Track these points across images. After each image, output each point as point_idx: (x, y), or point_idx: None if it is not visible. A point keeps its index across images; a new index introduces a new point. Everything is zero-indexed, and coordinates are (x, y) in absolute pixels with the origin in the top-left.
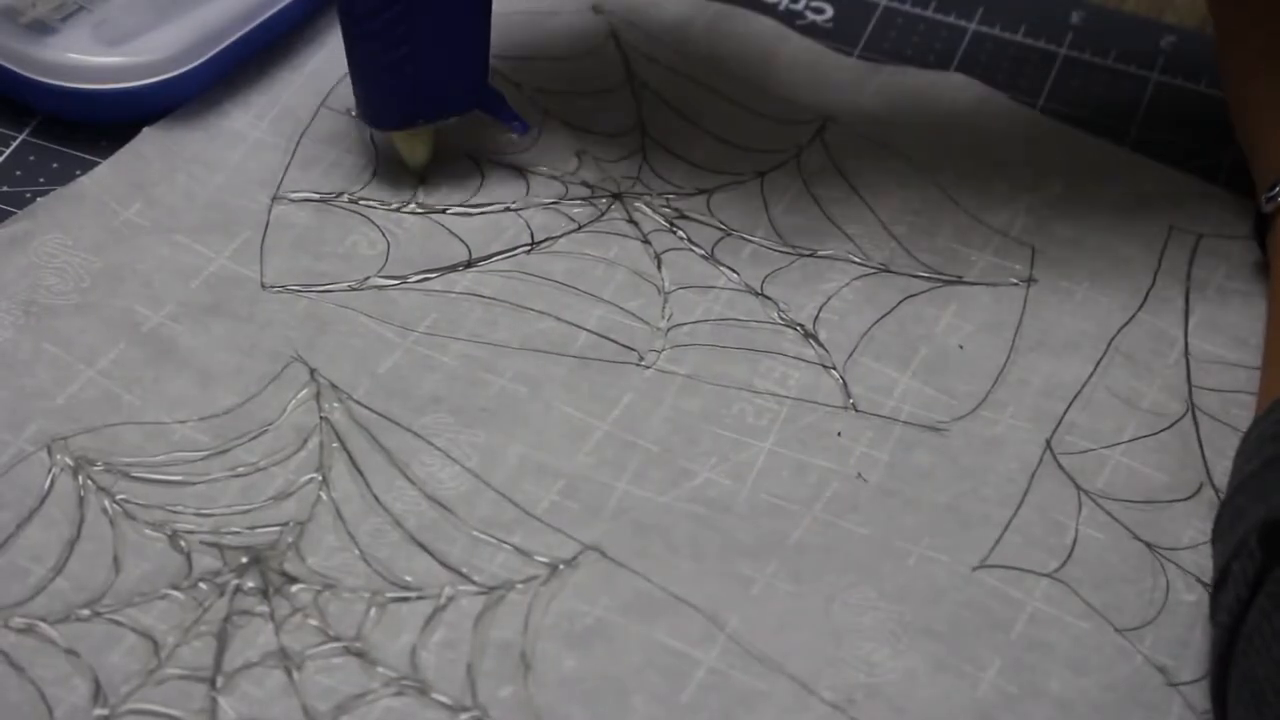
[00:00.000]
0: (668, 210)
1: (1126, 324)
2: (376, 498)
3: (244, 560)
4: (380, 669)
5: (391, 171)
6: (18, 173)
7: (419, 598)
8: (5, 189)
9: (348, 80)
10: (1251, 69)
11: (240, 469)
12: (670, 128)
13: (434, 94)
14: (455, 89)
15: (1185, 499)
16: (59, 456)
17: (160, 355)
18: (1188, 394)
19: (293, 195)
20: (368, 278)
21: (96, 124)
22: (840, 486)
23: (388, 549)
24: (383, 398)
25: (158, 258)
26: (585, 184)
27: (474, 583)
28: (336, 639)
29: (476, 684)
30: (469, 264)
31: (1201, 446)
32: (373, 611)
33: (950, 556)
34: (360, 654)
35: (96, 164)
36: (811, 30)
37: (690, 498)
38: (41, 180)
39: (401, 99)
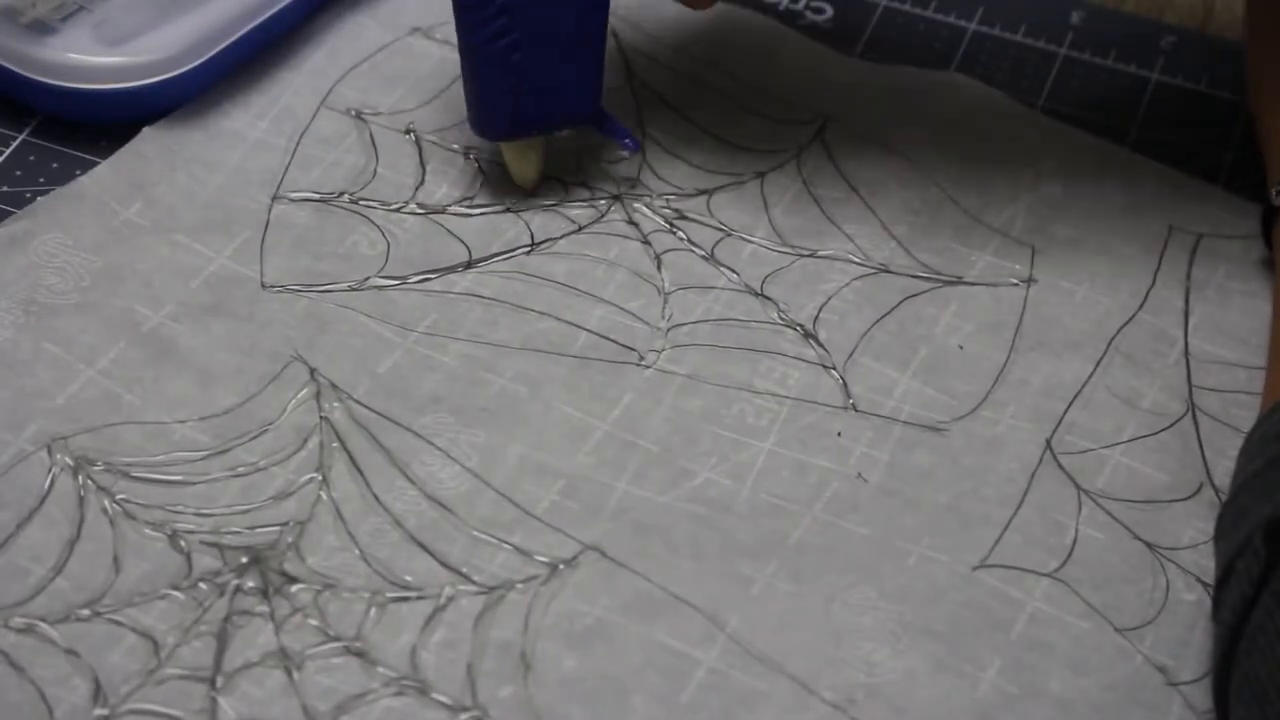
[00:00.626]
0: (668, 211)
1: (1126, 324)
2: (376, 497)
3: (244, 560)
4: (380, 669)
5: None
6: (18, 173)
7: (419, 598)
8: (5, 189)
9: (347, 80)
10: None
11: (240, 469)
12: (670, 128)
13: (545, 106)
14: (567, 101)
15: (1185, 499)
16: (59, 456)
17: (160, 355)
18: (1188, 394)
19: (293, 195)
20: (368, 278)
21: (96, 124)
22: (840, 486)
23: (388, 549)
24: (383, 398)
25: (158, 257)
26: (585, 185)
27: (474, 583)
28: (336, 639)
29: (476, 684)
30: (469, 264)
31: (1202, 446)
32: (373, 611)
33: (950, 556)
34: (360, 654)
35: (96, 164)
36: (811, 30)
37: (690, 498)
38: (41, 180)
39: (512, 108)
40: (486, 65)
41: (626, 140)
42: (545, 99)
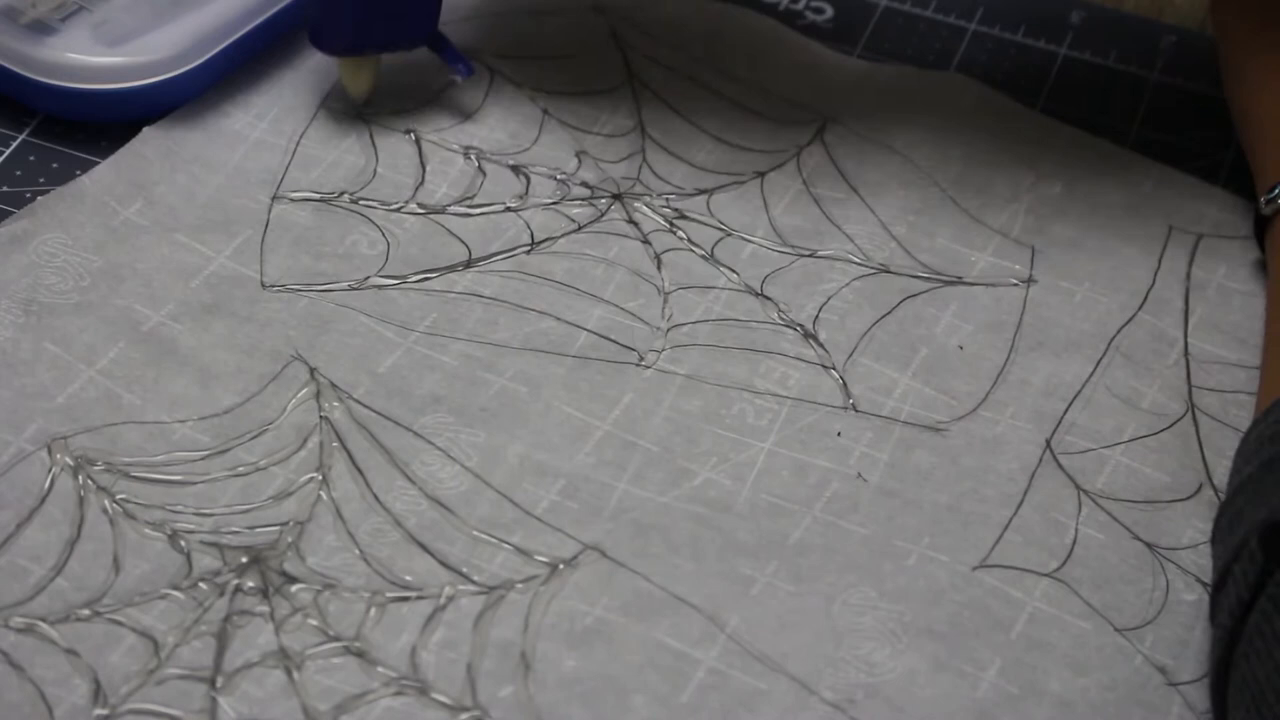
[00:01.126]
0: (668, 211)
1: (1126, 324)
2: (376, 497)
3: (244, 560)
4: (380, 669)
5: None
6: (18, 172)
7: (419, 597)
8: (5, 189)
9: None
10: (1254, 74)
11: (240, 469)
12: (670, 128)
13: (385, 25)
14: (406, 24)
15: (1185, 499)
16: (59, 456)
17: (160, 355)
18: (1187, 394)
19: (293, 195)
20: (368, 277)
21: (96, 124)
22: (840, 486)
23: (388, 549)
24: (383, 397)
25: (158, 257)
26: (585, 184)
27: (474, 582)
28: (336, 639)
29: (476, 684)
30: (469, 264)
31: (1201, 446)
32: (373, 611)
33: (950, 556)
34: (360, 654)
35: (96, 164)
36: (811, 30)
37: (690, 498)
38: (41, 180)
39: (352, 25)
40: None
41: (459, 65)
42: (385, 19)
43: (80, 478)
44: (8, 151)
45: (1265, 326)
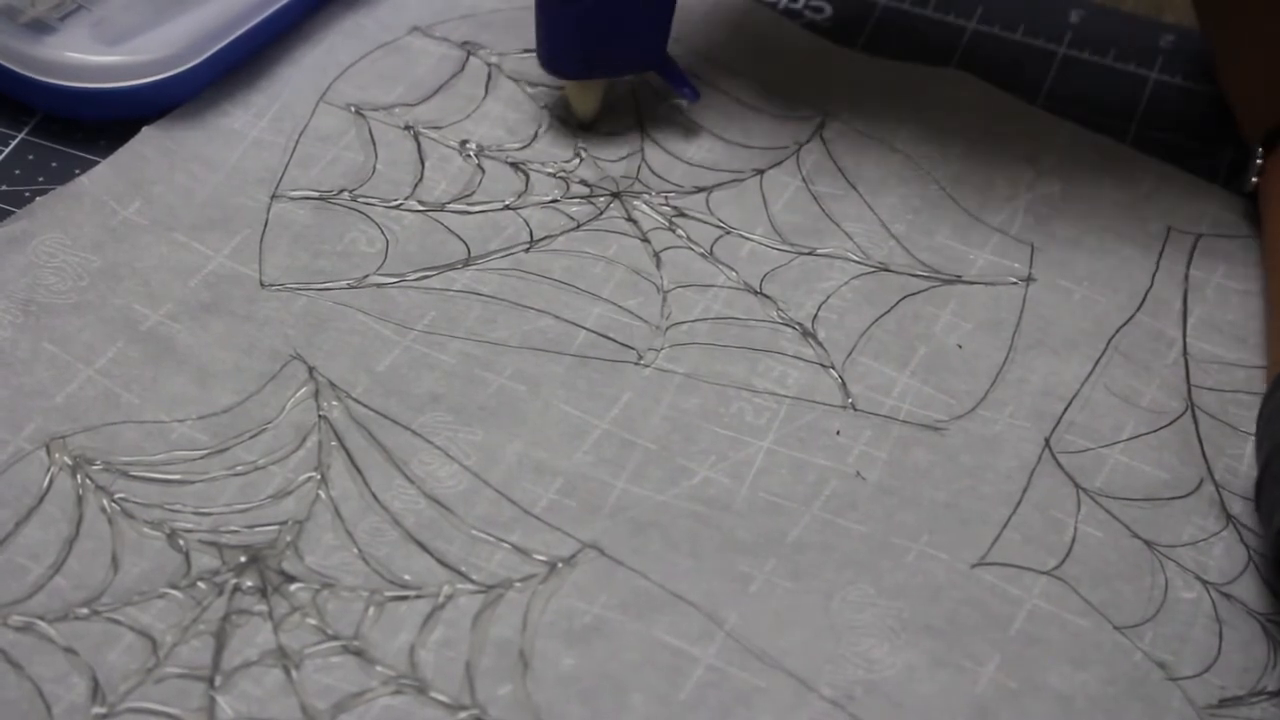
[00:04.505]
0: (667, 208)
1: (1125, 324)
2: (375, 496)
3: (242, 559)
4: (379, 667)
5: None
6: (17, 172)
7: (417, 596)
8: (4, 188)
9: (346, 78)
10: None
11: (239, 468)
12: (669, 125)
13: (614, 51)
14: (638, 48)
15: (1185, 496)
16: (57, 455)
17: (159, 354)
18: (1187, 393)
19: (292, 193)
20: (366, 275)
21: (96, 123)
22: (839, 485)
23: (386, 547)
24: (381, 396)
25: (156, 256)
26: (584, 182)
27: (472, 581)
28: (335, 638)
29: (475, 682)
30: (467, 262)
31: (1201, 443)
32: (371, 610)
33: (949, 554)
34: (359, 653)
35: (96, 163)
36: (811, 30)
37: (689, 496)
38: (41, 179)
39: (582, 52)
40: (561, 9)
41: (685, 90)
42: (615, 44)
43: (79, 477)
44: (6, 150)
45: (1266, 281)
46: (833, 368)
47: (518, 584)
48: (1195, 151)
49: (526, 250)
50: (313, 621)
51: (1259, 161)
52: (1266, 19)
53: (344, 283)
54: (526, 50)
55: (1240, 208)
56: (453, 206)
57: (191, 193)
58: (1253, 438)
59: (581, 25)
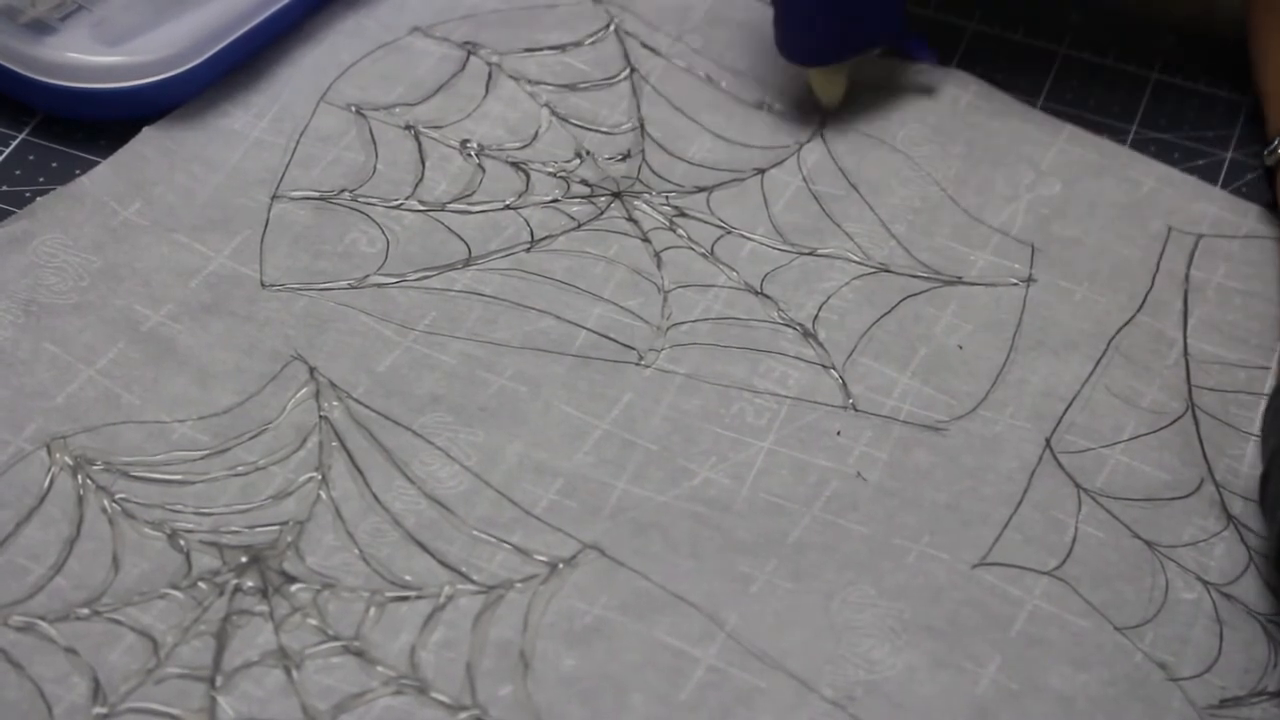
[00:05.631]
0: (667, 208)
1: (1126, 324)
2: (376, 497)
3: (243, 560)
4: (379, 668)
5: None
6: (17, 172)
7: (418, 597)
8: (5, 188)
9: (347, 78)
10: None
11: (239, 468)
12: (670, 125)
13: (859, 30)
14: (878, 25)
15: (1186, 496)
16: (58, 455)
17: (159, 354)
18: (1187, 393)
19: (292, 194)
20: (367, 276)
21: (96, 123)
22: (840, 486)
23: (387, 548)
24: (382, 396)
25: (157, 257)
26: (585, 182)
27: (473, 582)
28: (336, 638)
29: (475, 683)
30: (468, 262)
31: (1202, 443)
32: (372, 611)
33: (950, 554)
34: (359, 653)
35: (96, 163)
36: None
37: (690, 497)
38: (41, 179)
39: (821, 37)
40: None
41: (925, 54)
42: (855, 23)
43: (79, 477)
44: (7, 151)
45: None
46: (833, 368)
47: (518, 585)
48: (1195, 152)
49: (527, 250)
50: (313, 622)
51: None
52: None
53: (344, 283)
54: (527, 49)
55: (1241, 208)
56: (453, 206)
57: (192, 193)
58: (1254, 438)
59: (822, 8)
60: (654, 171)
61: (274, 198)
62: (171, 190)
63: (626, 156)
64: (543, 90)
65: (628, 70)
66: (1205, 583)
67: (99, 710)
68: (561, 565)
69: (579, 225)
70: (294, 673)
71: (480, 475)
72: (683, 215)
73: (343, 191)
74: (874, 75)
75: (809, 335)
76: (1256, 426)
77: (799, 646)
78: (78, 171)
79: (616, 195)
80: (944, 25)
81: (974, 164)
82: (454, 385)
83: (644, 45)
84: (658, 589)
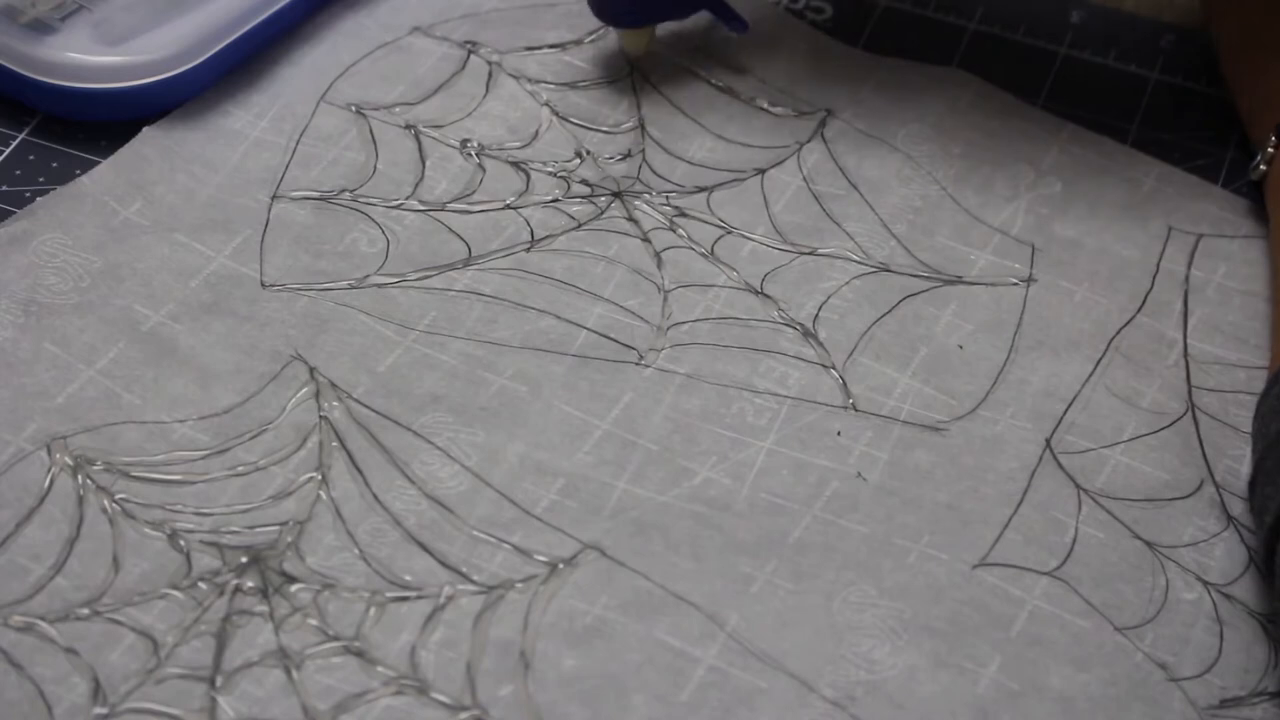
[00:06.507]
0: (667, 208)
1: (1126, 324)
2: (376, 497)
3: (243, 560)
4: (380, 668)
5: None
6: (17, 172)
7: (418, 597)
8: (5, 188)
9: (347, 78)
10: (1245, 44)
11: (240, 468)
12: (670, 125)
13: None
14: None
15: (1185, 496)
16: (58, 455)
17: (160, 354)
18: (1187, 394)
19: (293, 194)
20: (367, 276)
21: (96, 124)
22: (840, 485)
23: (387, 548)
24: (382, 396)
25: (157, 257)
26: (585, 182)
27: (473, 582)
28: (336, 638)
29: (476, 683)
30: (468, 262)
31: (1202, 444)
32: (372, 611)
33: (950, 555)
34: (360, 653)
35: (96, 163)
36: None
37: (690, 497)
38: (41, 179)
39: (632, 2)
40: None
41: (735, 23)
42: None
43: (80, 477)
44: (7, 151)
45: (1271, 278)
46: (834, 368)
47: (519, 585)
48: (1195, 151)
49: (527, 250)
50: (314, 622)
51: (1270, 150)
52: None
53: (345, 283)
54: (528, 48)
55: (1241, 208)
56: (453, 206)
57: (192, 193)
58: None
59: None
60: (654, 171)
61: (274, 198)
62: (172, 190)
63: (627, 156)
64: (543, 89)
65: (628, 69)
66: (1205, 583)
67: (99, 710)
68: (562, 565)
69: (579, 225)
70: (294, 673)
71: (480, 475)
72: (683, 215)
73: (343, 191)
74: (875, 76)
75: (809, 335)
76: None
77: (799, 646)
78: (78, 171)
79: (617, 195)
80: (944, 25)
81: (974, 164)
82: (454, 385)
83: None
84: (658, 589)
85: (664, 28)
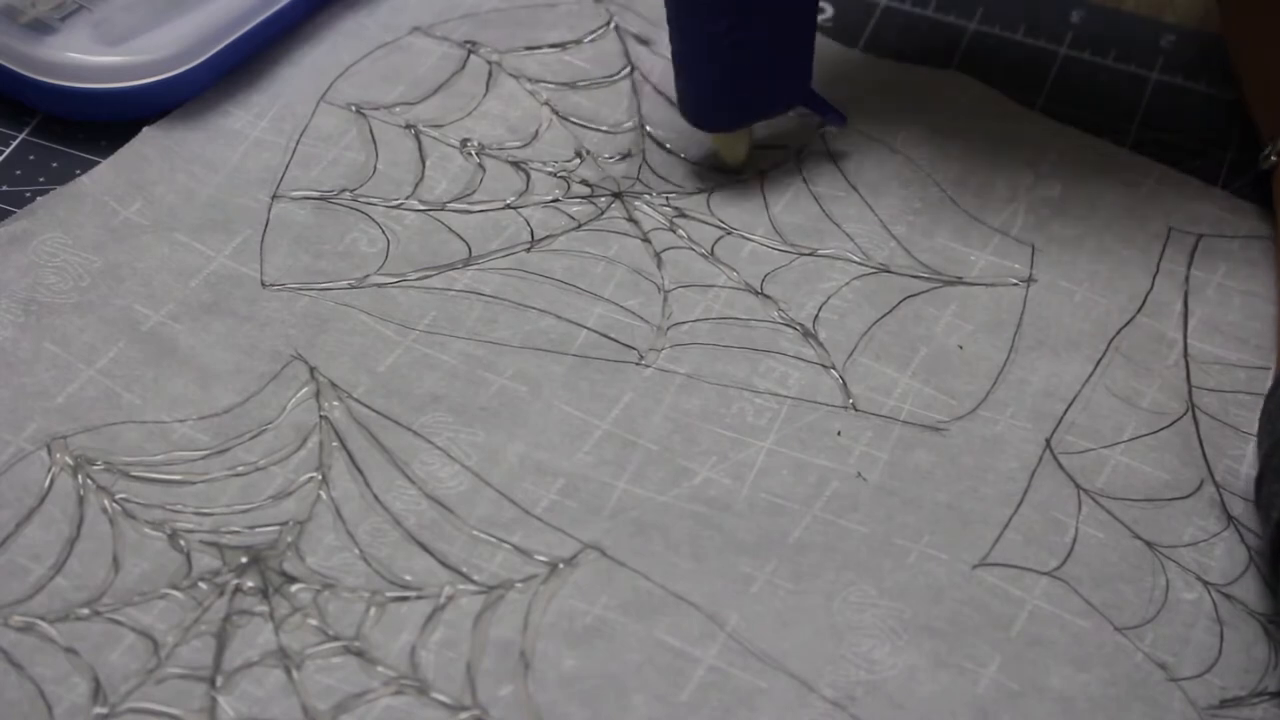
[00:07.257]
0: (668, 209)
1: (1126, 324)
2: (376, 497)
3: (243, 560)
4: (380, 668)
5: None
6: (17, 172)
7: (418, 597)
8: (5, 188)
9: (347, 78)
10: (1256, 34)
11: (240, 468)
12: (670, 125)
13: (762, 96)
14: (782, 89)
15: (1186, 497)
16: (59, 455)
17: (160, 354)
18: (1187, 394)
19: (292, 193)
20: (367, 275)
21: (96, 123)
22: (840, 486)
23: (387, 548)
24: (382, 396)
25: (157, 257)
26: (585, 182)
27: (473, 582)
28: (336, 638)
29: (476, 683)
30: (468, 261)
31: (1202, 444)
32: (372, 611)
33: (950, 555)
34: (360, 653)
35: (96, 163)
36: None
37: (690, 497)
38: (41, 179)
39: (733, 104)
40: (707, 63)
41: (832, 115)
42: (762, 88)
43: (80, 477)
44: (7, 151)
45: (1277, 267)
46: (834, 368)
47: (519, 585)
48: (1195, 151)
49: (527, 250)
50: (314, 622)
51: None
52: None
53: (345, 283)
54: (528, 48)
55: (1241, 208)
56: (454, 206)
57: (192, 193)
58: (1254, 438)
59: (725, 78)
60: (654, 171)
61: (274, 197)
62: (172, 190)
63: (627, 156)
64: (543, 88)
65: (628, 69)
66: (1205, 583)
67: (99, 710)
68: (562, 565)
69: (579, 225)
70: (294, 673)
71: (480, 475)
72: (683, 216)
73: (343, 191)
74: (874, 78)
75: (809, 335)
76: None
77: (800, 647)
78: (78, 171)
79: (617, 195)
80: (944, 25)
81: (974, 165)
82: (454, 385)
83: (644, 43)
84: (658, 589)
85: (760, 129)
